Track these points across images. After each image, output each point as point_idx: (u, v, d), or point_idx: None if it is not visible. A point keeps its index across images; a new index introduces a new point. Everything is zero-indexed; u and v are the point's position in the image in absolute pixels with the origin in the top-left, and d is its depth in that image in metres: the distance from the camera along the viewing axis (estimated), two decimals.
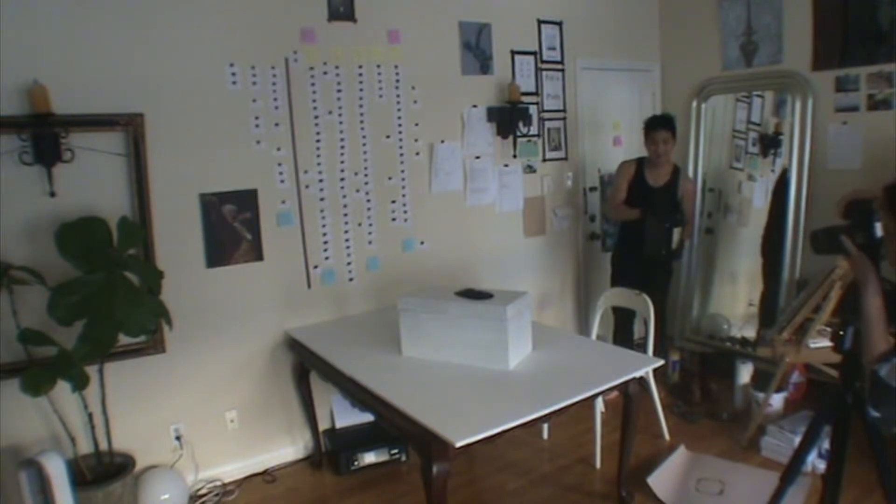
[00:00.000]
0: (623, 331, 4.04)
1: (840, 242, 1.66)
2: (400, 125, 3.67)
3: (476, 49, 3.92)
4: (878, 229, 1.60)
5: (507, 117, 3.99)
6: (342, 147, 3.49)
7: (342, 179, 3.50)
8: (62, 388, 2.53)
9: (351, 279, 3.59)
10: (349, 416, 3.52)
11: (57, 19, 2.68)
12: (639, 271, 3.82)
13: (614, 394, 2.78)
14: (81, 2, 2.73)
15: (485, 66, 3.96)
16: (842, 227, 1.70)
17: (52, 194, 2.70)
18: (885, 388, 1.43)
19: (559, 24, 4.28)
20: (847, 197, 1.73)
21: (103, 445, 2.75)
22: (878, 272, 1.60)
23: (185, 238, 3.06)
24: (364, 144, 3.55)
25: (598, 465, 3.26)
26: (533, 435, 3.57)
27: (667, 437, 3.50)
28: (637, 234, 3.83)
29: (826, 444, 2.21)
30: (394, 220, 3.71)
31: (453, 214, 3.94)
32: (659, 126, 3.83)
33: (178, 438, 3.12)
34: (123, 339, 2.71)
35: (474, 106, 3.94)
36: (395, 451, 3.35)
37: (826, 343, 3.09)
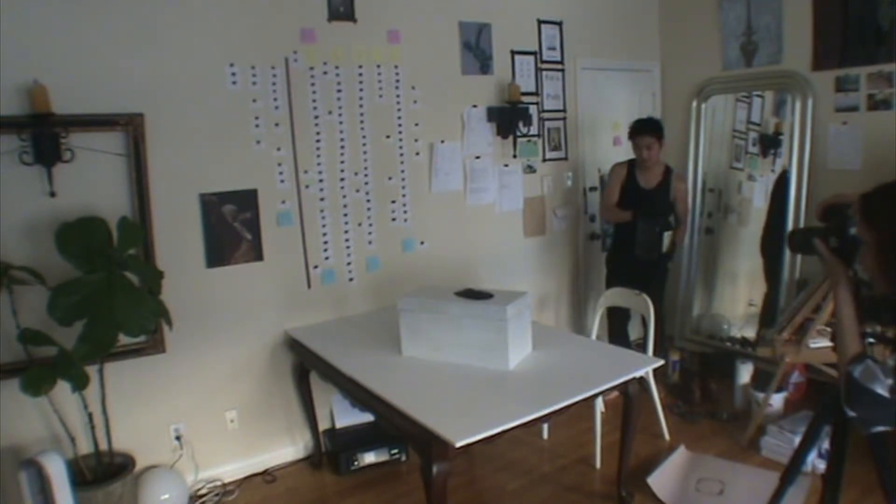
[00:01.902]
0: (618, 332, 4.04)
1: (814, 245, 1.68)
2: (400, 125, 3.67)
3: (476, 49, 3.92)
4: (852, 233, 1.61)
5: (507, 117, 3.99)
6: (342, 147, 3.49)
7: (342, 179, 3.50)
8: (62, 388, 2.53)
9: (351, 279, 3.59)
10: (349, 416, 3.52)
11: (57, 19, 2.68)
12: (633, 272, 3.82)
13: (614, 394, 2.78)
14: (81, 2, 2.73)
15: (485, 66, 3.96)
16: (818, 230, 1.72)
17: (52, 194, 2.70)
18: (859, 389, 1.45)
19: (559, 24, 4.28)
20: (826, 201, 1.75)
21: (103, 445, 2.75)
22: (854, 275, 1.61)
23: (185, 238, 3.06)
24: (364, 144, 3.55)
25: (598, 465, 3.26)
26: (533, 435, 3.57)
27: (667, 437, 3.50)
28: (630, 236, 3.83)
29: (826, 444, 2.21)
30: (394, 220, 3.71)
31: (453, 214, 3.94)
32: (642, 131, 3.82)
33: (178, 438, 3.12)
34: (123, 339, 2.70)
35: (474, 106, 3.94)
36: (395, 451, 3.35)
37: (826, 343, 3.09)
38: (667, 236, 3.83)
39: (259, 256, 3.27)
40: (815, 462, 2.96)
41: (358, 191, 3.56)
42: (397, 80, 3.63)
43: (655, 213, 3.80)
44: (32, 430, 2.75)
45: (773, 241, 4.14)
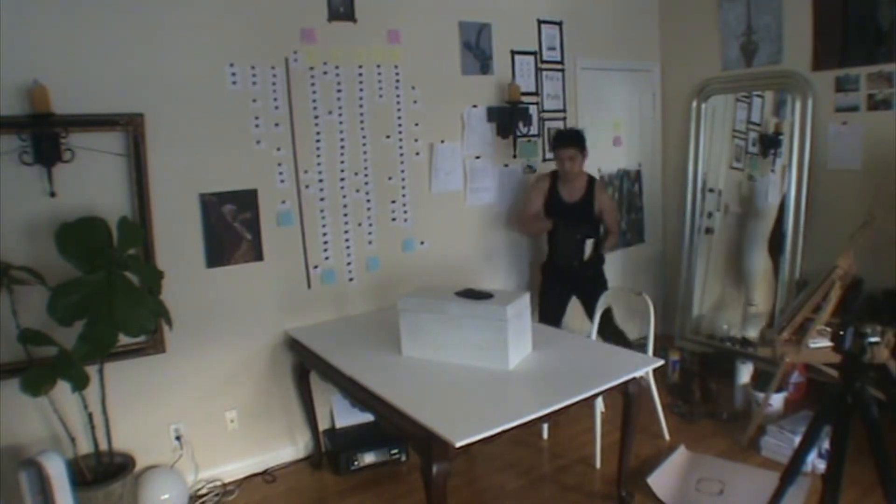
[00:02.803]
0: (551, 317, 3.90)
1: None
2: (400, 125, 3.67)
3: (476, 49, 3.92)
4: None
5: (507, 117, 3.99)
6: (342, 147, 3.49)
7: (342, 179, 3.50)
8: (62, 388, 2.53)
9: (351, 279, 3.59)
10: (349, 416, 3.52)
11: (57, 19, 2.68)
12: (567, 280, 3.80)
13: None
14: (81, 2, 2.73)
15: (485, 66, 3.96)
16: None
17: (52, 194, 2.70)
18: None
19: (559, 24, 4.28)
20: None
21: (103, 445, 2.75)
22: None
23: (185, 238, 3.06)
24: (364, 144, 3.55)
25: (598, 465, 3.26)
26: (533, 435, 3.57)
27: (667, 437, 3.50)
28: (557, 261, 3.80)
29: (826, 444, 2.22)
30: (394, 220, 3.71)
31: (453, 214, 3.94)
32: (565, 143, 3.72)
33: (178, 438, 3.12)
34: (123, 339, 2.70)
35: (474, 106, 3.94)
36: (395, 451, 3.35)
37: (826, 343, 3.09)
38: (589, 243, 3.71)
39: (259, 256, 3.27)
40: (815, 462, 2.96)
41: (358, 191, 3.56)
42: (397, 80, 3.63)
43: (577, 221, 3.73)
44: (32, 430, 2.75)
45: (779, 241, 4.13)
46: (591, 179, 3.86)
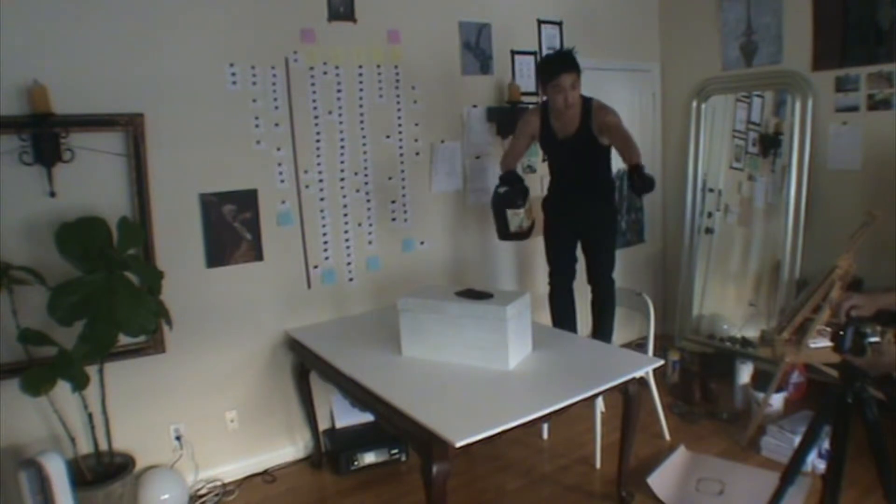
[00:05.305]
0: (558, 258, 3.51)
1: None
2: (400, 125, 3.67)
3: (476, 49, 3.92)
4: None
5: (507, 117, 3.99)
6: (342, 147, 3.49)
7: (342, 179, 3.50)
8: (62, 388, 2.53)
9: (351, 279, 3.59)
10: (349, 416, 3.52)
11: (57, 19, 2.68)
12: (571, 218, 3.47)
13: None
14: (81, 2, 2.73)
15: (485, 66, 3.96)
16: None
17: (52, 194, 2.70)
18: None
19: (559, 24, 4.28)
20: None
21: (103, 445, 2.75)
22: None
23: (185, 238, 3.06)
24: (364, 144, 3.55)
25: (598, 465, 3.26)
26: (533, 435, 3.57)
27: (667, 437, 3.50)
28: (556, 197, 3.46)
29: (826, 444, 2.22)
30: (394, 220, 3.71)
31: (453, 214, 3.94)
32: (563, 69, 3.08)
33: (178, 438, 3.12)
34: (123, 339, 2.70)
35: (474, 106, 3.94)
36: (395, 451, 3.35)
37: (826, 343, 3.09)
38: (511, 214, 3.12)
39: (259, 256, 3.27)
40: (815, 462, 2.96)
41: (358, 191, 3.56)
42: (397, 80, 3.63)
43: (510, 180, 3.19)
44: (32, 430, 2.75)
45: None
46: (584, 102, 3.22)
